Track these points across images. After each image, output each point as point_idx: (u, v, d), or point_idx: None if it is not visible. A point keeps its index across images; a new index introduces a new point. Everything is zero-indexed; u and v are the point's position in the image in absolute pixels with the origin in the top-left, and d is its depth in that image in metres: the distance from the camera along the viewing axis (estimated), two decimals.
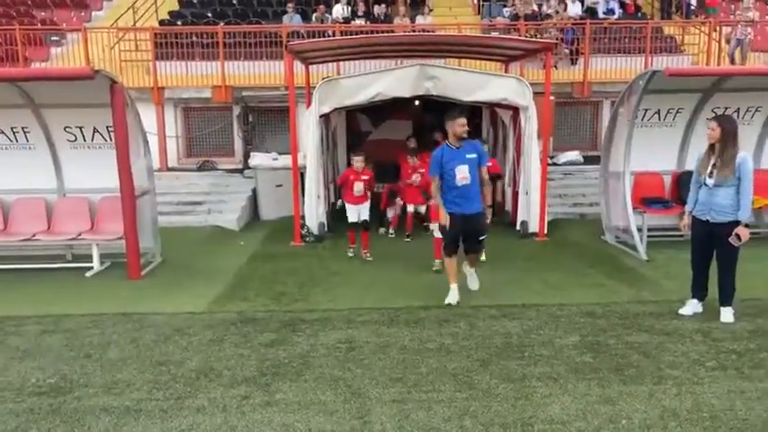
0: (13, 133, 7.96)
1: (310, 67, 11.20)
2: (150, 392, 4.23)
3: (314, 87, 9.41)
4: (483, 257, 7.17)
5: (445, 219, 5.96)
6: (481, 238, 6.08)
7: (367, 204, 8.19)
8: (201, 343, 5.14)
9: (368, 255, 8.09)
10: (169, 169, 12.66)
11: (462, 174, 5.76)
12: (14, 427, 3.79)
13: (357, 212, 8.17)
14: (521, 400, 3.97)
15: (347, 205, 8.24)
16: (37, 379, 4.48)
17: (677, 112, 8.56)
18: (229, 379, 4.42)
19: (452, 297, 6.02)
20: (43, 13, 15.29)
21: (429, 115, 12.38)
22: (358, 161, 8.10)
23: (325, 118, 9.63)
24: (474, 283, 6.29)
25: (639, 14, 15.00)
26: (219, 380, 4.41)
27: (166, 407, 4.00)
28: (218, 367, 4.63)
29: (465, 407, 3.90)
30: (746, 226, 5.20)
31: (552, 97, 9.67)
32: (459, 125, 5.82)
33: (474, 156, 5.84)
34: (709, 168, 5.29)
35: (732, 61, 13.24)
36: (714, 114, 7.18)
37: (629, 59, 12.87)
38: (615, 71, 12.78)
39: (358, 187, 8.04)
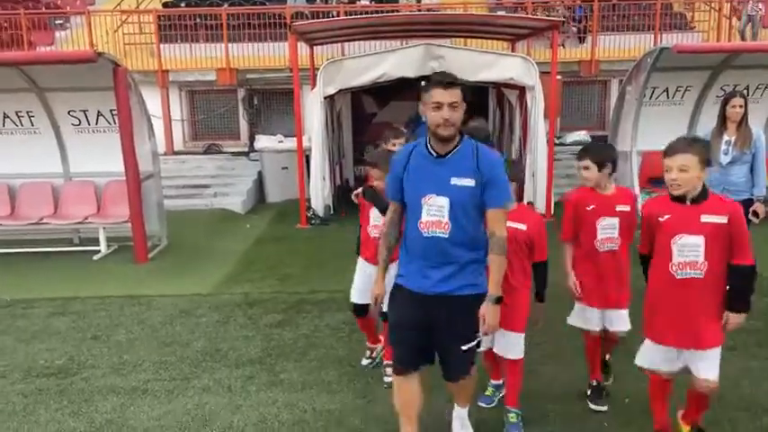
0: (18, 118, 7.97)
1: (315, 48, 11.12)
2: (157, 373, 4.27)
3: (318, 69, 9.35)
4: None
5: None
6: (465, 348, 2.89)
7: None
8: (207, 324, 5.17)
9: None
10: (175, 153, 12.67)
11: (433, 212, 2.77)
12: (23, 408, 3.84)
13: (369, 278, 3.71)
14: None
15: (360, 262, 4.03)
16: (45, 360, 4.53)
17: (686, 89, 8.45)
18: (235, 359, 4.45)
19: None
20: None
21: None
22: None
23: (330, 99, 9.57)
24: None
25: None
26: (225, 360, 4.44)
27: (173, 387, 4.04)
28: (223, 348, 4.66)
29: None
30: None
31: (559, 76, 9.56)
32: (434, 99, 2.70)
33: (469, 182, 2.74)
34: (723, 145, 5.20)
35: (743, 38, 13.01)
36: (724, 91, 7.07)
37: (638, 37, 12.67)
38: (624, 49, 12.59)
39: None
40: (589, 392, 3.66)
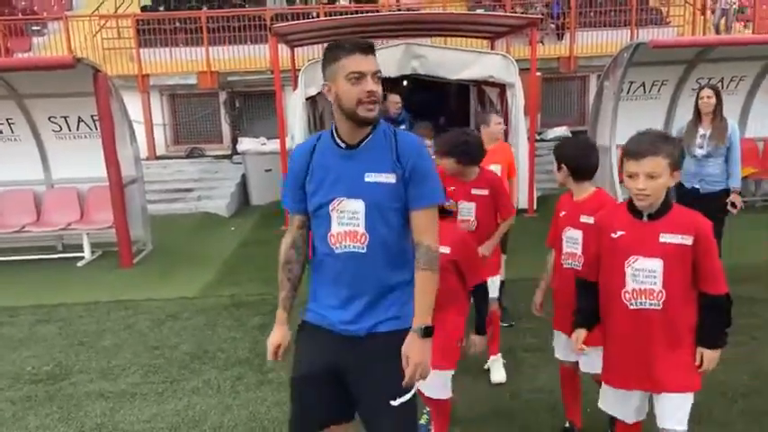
0: None
1: (296, 49, 11.14)
2: (145, 376, 4.29)
3: (300, 70, 9.37)
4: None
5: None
6: (395, 403, 2.12)
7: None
8: (195, 327, 5.19)
9: None
10: (157, 157, 12.61)
11: (345, 221, 2.14)
12: (12, 415, 3.84)
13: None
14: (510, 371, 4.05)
15: None
16: (33, 367, 4.53)
17: (662, 83, 8.62)
18: (223, 361, 4.48)
19: None
20: (23, 3, 15.05)
21: (419, 95, 12.35)
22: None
23: (312, 100, 9.60)
24: None
25: None
26: (213, 362, 4.47)
27: (162, 389, 4.07)
28: (211, 350, 4.69)
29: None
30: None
31: (539, 73, 9.69)
32: (352, 69, 2.04)
33: (388, 178, 2.10)
34: (698, 139, 5.32)
35: (717, 31, 13.27)
36: (699, 84, 7.23)
37: (615, 32, 12.87)
38: (601, 45, 12.76)
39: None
40: None
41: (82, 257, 7.59)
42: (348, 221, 2.11)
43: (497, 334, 4.12)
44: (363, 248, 2.11)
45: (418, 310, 2.08)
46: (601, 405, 2.63)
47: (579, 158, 3.00)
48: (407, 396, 2.13)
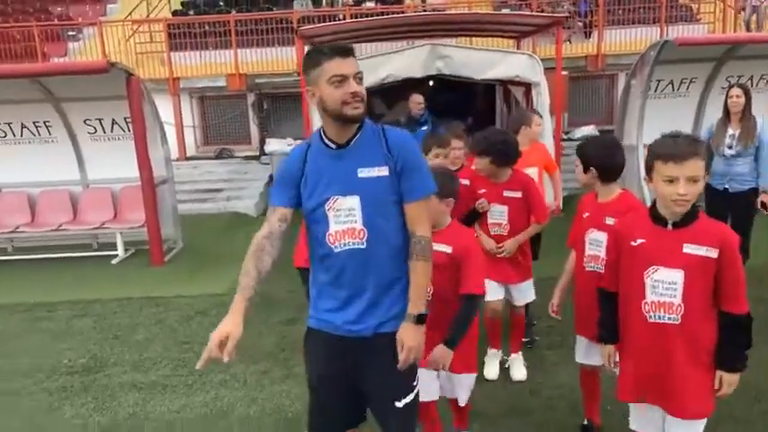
0: (36, 128, 8.22)
1: None
2: (175, 369, 4.45)
3: None
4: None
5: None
6: (400, 405, 2.23)
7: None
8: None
9: None
10: (187, 158, 12.90)
11: (342, 218, 2.16)
12: (49, 405, 4.03)
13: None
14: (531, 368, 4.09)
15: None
16: (69, 359, 4.73)
17: (691, 81, 8.49)
18: (250, 355, 4.60)
19: None
20: (59, 9, 15.54)
21: (445, 95, 12.37)
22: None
23: None
24: None
25: None
26: (240, 356, 4.57)
27: (191, 381, 4.21)
28: (239, 345, 4.81)
29: None
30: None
31: (565, 72, 9.64)
32: (334, 72, 2.08)
33: (382, 171, 2.14)
34: (727, 138, 5.26)
35: (748, 29, 12.99)
36: (729, 82, 7.12)
37: (644, 30, 12.69)
38: (630, 42, 12.61)
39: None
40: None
41: (116, 255, 7.84)
42: (345, 219, 2.13)
43: (521, 334, 4.15)
44: (363, 244, 2.13)
45: (412, 298, 2.15)
46: (632, 426, 2.52)
47: (605, 158, 2.88)
48: (411, 397, 2.23)
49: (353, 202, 2.12)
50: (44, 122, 8.17)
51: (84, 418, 3.83)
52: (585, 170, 2.90)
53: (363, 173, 2.12)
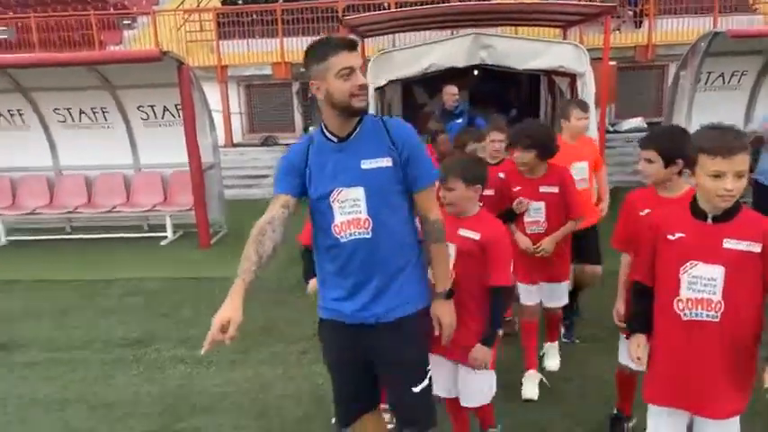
0: (93, 113, 8.60)
1: (365, 40, 11.36)
2: (219, 346, 4.66)
3: (369, 60, 9.60)
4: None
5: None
6: (416, 390, 2.30)
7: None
8: (266, 304, 5.53)
9: None
10: (234, 145, 13.25)
11: (347, 209, 2.22)
12: (103, 374, 4.32)
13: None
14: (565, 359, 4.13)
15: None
16: (122, 333, 5.03)
17: (742, 74, 8.24)
18: (290, 336, 4.80)
19: None
20: None
21: (489, 85, 12.31)
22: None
23: (381, 90, 9.81)
24: None
25: None
26: (280, 336, 4.81)
27: (234, 358, 4.43)
28: (280, 325, 5.03)
29: None
30: None
31: (613, 62, 9.46)
32: (342, 65, 2.15)
33: (385, 162, 2.20)
34: None
35: None
36: None
37: (697, 20, 12.33)
38: (682, 32, 12.26)
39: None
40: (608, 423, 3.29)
41: (165, 237, 8.19)
42: (350, 210, 2.18)
43: (557, 326, 4.13)
44: (368, 233, 2.18)
45: (438, 277, 2.30)
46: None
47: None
48: (426, 381, 2.31)
49: (358, 192, 2.17)
50: (101, 108, 8.54)
51: (135, 387, 4.09)
52: (668, 163, 2.61)
53: (367, 164, 2.17)
